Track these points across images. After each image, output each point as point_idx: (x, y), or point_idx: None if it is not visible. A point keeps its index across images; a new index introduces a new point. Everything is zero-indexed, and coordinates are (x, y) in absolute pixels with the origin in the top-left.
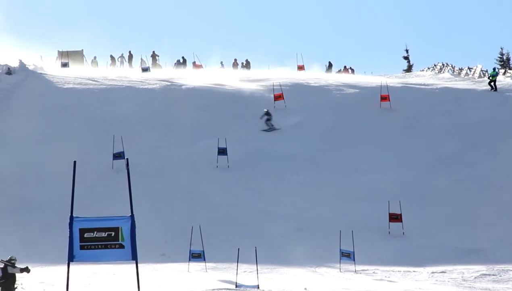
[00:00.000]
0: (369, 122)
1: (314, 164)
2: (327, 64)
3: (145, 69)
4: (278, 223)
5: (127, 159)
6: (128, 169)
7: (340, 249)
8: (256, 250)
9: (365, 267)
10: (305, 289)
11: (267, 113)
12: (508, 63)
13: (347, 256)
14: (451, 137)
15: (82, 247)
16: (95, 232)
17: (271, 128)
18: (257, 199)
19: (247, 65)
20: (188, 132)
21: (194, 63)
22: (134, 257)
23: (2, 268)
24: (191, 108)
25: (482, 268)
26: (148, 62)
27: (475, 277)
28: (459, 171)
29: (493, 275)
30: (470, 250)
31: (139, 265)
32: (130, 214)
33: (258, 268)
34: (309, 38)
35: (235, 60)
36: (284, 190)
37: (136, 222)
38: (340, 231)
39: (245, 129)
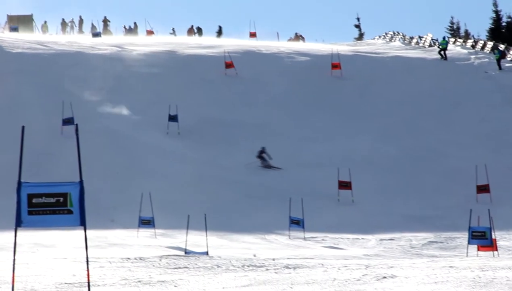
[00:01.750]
0: (320, 90)
1: (265, 132)
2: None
3: (95, 35)
4: (229, 190)
5: (76, 124)
6: (77, 135)
7: (289, 216)
8: (205, 217)
9: (314, 234)
10: (254, 255)
11: (262, 151)
12: (458, 32)
13: (297, 223)
14: (402, 106)
15: (30, 213)
16: (43, 198)
17: (268, 166)
18: (207, 166)
19: (199, 32)
20: (139, 99)
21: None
22: (83, 223)
23: None
24: (142, 75)
25: (429, 236)
26: (99, 28)
27: (423, 245)
28: (408, 139)
29: (440, 242)
30: (419, 217)
31: (87, 231)
32: (79, 180)
33: (207, 234)
34: (261, 6)
35: (192, 26)
36: (234, 157)
37: (85, 188)
38: (290, 198)
39: (197, 97)
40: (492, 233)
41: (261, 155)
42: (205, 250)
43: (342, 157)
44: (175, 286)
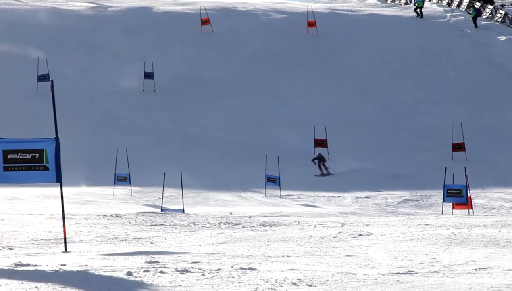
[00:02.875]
0: (296, 48)
1: (241, 89)
2: None
3: None
4: (205, 148)
5: (51, 80)
6: (53, 91)
7: (266, 174)
8: (181, 175)
9: (290, 192)
10: (231, 213)
11: (319, 158)
12: None
13: (273, 181)
14: (377, 64)
15: (5, 169)
16: (19, 154)
17: (325, 174)
18: (183, 124)
19: None
20: (115, 56)
21: None
22: (59, 179)
23: None
24: (117, 31)
25: (405, 194)
26: None
27: (398, 203)
28: (385, 97)
29: (416, 200)
30: (394, 175)
31: (63, 187)
32: (54, 137)
33: (183, 192)
34: None
35: None
36: (211, 114)
37: (61, 145)
38: (266, 156)
39: (172, 54)
40: (467, 191)
41: (319, 162)
42: (181, 208)
43: (318, 115)
44: (151, 243)
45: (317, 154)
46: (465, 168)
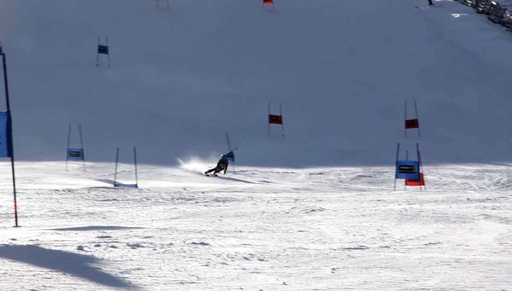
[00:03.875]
0: (252, 24)
1: (198, 66)
2: None
3: None
4: (161, 124)
5: (3, 54)
6: (4, 65)
7: (230, 150)
8: (135, 150)
9: (244, 168)
10: (184, 189)
11: (223, 161)
12: None
13: (230, 156)
14: (334, 41)
15: None
16: None
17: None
18: (139, 99)
19: None
20: (68, 30)
21: None
22: (10, 154)
23: None
24: (72, 6)
25: (358, 170)
26: None
27: (352, 179)
28: (340, 74)
29: (369, 176)
30: (348, 152)
31: (15, 162)
32: (6, 111)
33: (137, 168)
34: None
35: None
36: (168, 90)
37: (12, 119)
38: (226, 133)
39: (128, 29)
40: (420, 167)
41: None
42: (135, 183)
43: (273, 92)
44: (103, 218)
45: (223, 155)
46: (417, 144)
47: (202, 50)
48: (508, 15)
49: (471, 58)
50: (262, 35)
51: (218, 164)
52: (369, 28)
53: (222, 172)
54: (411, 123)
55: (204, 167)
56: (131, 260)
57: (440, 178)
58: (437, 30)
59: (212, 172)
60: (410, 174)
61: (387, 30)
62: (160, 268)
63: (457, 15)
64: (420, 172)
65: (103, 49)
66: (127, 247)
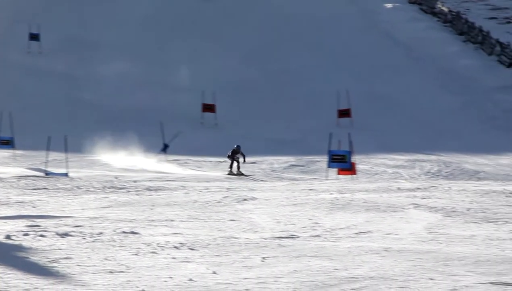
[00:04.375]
0: (185, 12)
1: (130, 53)
2: None
3: None
4: (90, 112)
5: None
6: None
7: (163, 142)
8: (66, 139)
9: (178, 157)
10: (116, 177)
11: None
12: None
13: (165, 147)
14: (265, 29)
15: None
16: None
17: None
18: (71, 86)
19: None
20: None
21: None
22: None
23: None
24: None
25: (291, 159)
26: None
27: (284, 168)
28: (272, 63)
29: (301, 166)
30: (281, 141)
31: None
32: None
33: (68, 156)
34: None
35: None
36: (97, 79)
37: None
38: (161, 122)
39: (59, 16)
40: (352, 157)
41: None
42: (65, 171)
43: (206, 80)
44: (33, 207)
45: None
46: (349, 134)
47: (134, 38)
48: (439, 6)
49: (403, 48)
50: (194, 23)
51: (230, 156)
52: (302, 17)
53: (242, 160)
54: (344, 113)
55: (135, 157)
56: (60, 249)
57: (372, 168)
58: (370, 20)
59: (231, 169)
60: (342, 163)
61: (320, 20)
62: (89, 257)
63: (390, 5)
64: (352, 161)
65: (34, 37)
66: (56, 236)
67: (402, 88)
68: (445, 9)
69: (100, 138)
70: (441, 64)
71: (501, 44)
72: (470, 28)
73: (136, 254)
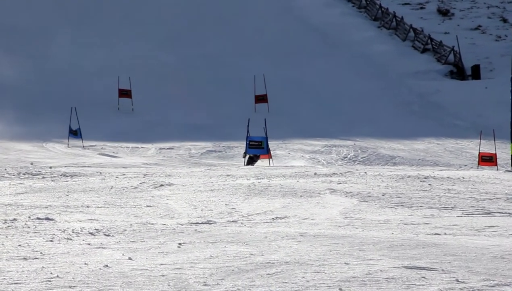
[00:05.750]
0: None
1: (42, 38)
2: None
3: None
4: (6, 97)
5: None
6: None
7: (69, 126)
8: None
9: (94, 143)
10: (31, 164)
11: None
12: None
13: (74, 133)
14: (180, 13)
15: None
16: None
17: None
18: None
19: None
20: None
21: None
22: None
23: None
24: None
25: (208, 145)
26: None
27: (202, 154)
28: (188, 47)
29: (219, 151)
30: (198, 126)
31: None
32: None
33: None
34: None
35: None
36: (11, 63)
37: None
38: (72, 107)
39: None
40: (267, 143)
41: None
42: None
43: (121, 65)
44: None
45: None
46: (265, 119)
47: (45, 22)
48: None
49: (318, 34)
50: (108, 6)
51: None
52: (218, 1)
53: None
54: (261, 99)
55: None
56: None
57: (289, 153)
58: (284, 5)
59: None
60: (259, 149)
61: (235, 4)
62: (2, 244)
63: None
64: (269, 147)
65: None
66: None
67: (317, 74)
68: None
69: (15, 123)
70: (356, 49)
71: (414, 30)
72: (384, 14)
73: (51, 241)
